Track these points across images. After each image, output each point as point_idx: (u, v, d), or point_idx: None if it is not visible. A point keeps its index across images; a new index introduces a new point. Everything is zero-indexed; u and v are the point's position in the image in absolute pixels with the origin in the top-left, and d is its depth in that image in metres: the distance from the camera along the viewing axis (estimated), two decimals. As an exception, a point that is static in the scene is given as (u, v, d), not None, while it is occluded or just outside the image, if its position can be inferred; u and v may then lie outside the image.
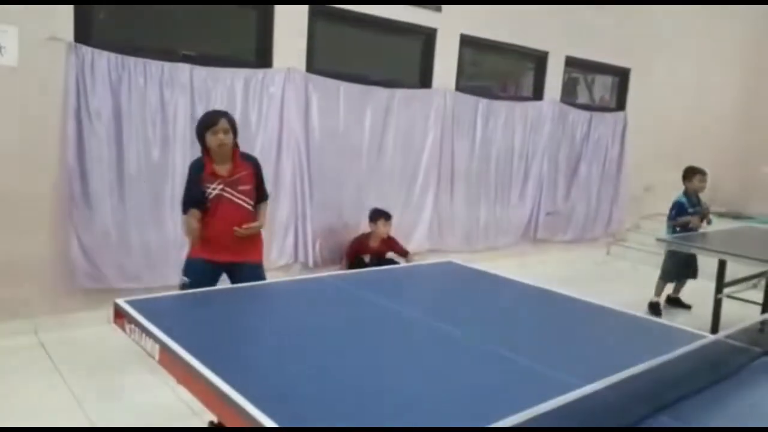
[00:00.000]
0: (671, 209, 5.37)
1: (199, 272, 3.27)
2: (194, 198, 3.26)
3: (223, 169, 3.27)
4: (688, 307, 5.53)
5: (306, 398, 1.58)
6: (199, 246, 3.34)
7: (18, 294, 3.93)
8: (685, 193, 5.41)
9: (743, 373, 1.88)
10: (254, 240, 3.42)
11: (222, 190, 3.26)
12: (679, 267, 5.28)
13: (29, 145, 3.90)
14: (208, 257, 3.31)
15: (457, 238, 6.35)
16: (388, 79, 5.63)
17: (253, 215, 3.40)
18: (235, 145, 3.32)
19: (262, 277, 3.37)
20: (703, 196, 5.49)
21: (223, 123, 3.21)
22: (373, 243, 5.34)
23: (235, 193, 3.30)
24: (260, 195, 3.46)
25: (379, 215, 5.30)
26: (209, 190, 3.25)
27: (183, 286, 3.25)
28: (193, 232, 3.24)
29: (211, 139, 3.21)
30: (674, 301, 5.61)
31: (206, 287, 2.80)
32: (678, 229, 5.29)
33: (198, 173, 3.27)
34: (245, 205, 3.34)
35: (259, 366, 1.78)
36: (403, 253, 5.41)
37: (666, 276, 5.39)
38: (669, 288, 5.53)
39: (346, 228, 5.49)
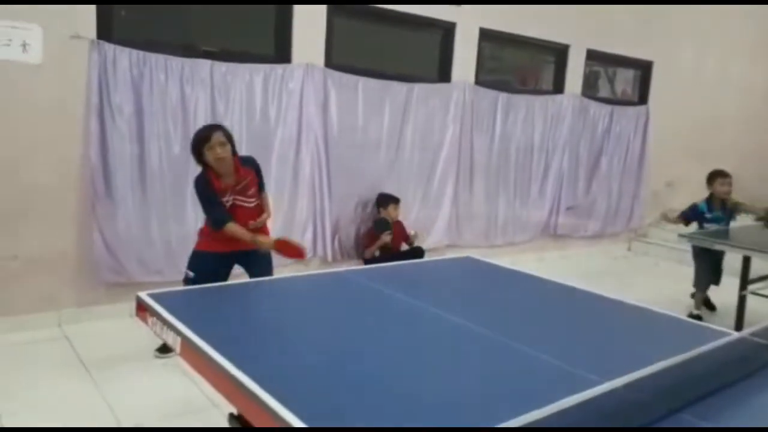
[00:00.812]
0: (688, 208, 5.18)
1: (205, 266, 3.31)
2: (224, 213, 3.25)
3: (229, 181, 3.29)
4: (713, 308, 5.33)
5: (326, 392, 1.58)
6: (207, 239, 3.38)
7: (42, 287, 4.01)
8: (709, 198, 5.12)
9: (767, 372, 1.85)
10: (261, 230, 3.47)
11: (234, 200, 3.31)
12: (709, 274, 5.03)
13: (53, 141, 3.97)
14: (217, 249, 3.34)
15: (475, 234, 6.32)
16: (406, 74, 5.62)
17: (258, 208, 3.46)
18: (233, 153, 3.31)
19: (271, 262, 3.47)
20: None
21: (217, 136, 3.18)
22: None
23: (246, 199, 3.36)
24: (260, 187, 3.50)
25: (389, 200, 5.36)
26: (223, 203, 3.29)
27: (187, 281, 3.29)
28: (246, 235, 3.25)
29: (209, 155, 3.18)
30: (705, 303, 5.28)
31: (214, 280, 2.82)
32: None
33: (209, 189, 3.24)
34: (253, 204, 3.41)
35: (279, 359, 1.79)
36: (407, 238, 5.44)
37: (699, 284, 5.08)
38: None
39: (365, 223, 5.50)
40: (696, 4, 7.61)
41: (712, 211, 5.09)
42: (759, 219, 5.11)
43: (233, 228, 3.23)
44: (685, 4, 7.49)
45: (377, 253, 5.24)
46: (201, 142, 3.20)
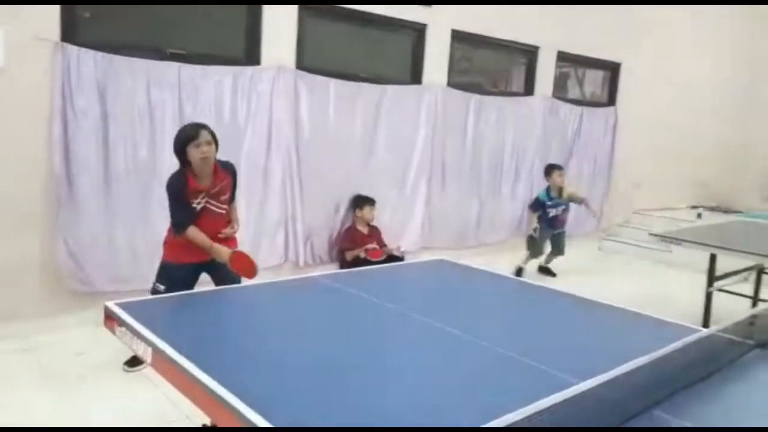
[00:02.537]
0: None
1: (174, 278, 3.24)
2: (189, 217, 3.19)
3: (205, 182, 3.22)
4: (554, 274, 6.36)
5: (299, 399, 1.56)
6: (175, 250, 3.31)
7: (4, 297, 3.88)
8: (548, 188, 6.18)
9: (735, 367, 1.88)
10: (229, 239, 3.42)
11: (207, 203, 3.24)
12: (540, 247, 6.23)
13: (15, 146, 3.85)
14: (186, 260, 3.28)
15: (448, 235, 6.34)
16: (378, 76, 5.61)
17: (227, 216, 3.41)
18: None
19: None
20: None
21: (204, 135, 3.14)
22: (362, 228, 5.37)
23: (218, 204, 3.30)
24: (232, 198, 3.45)
25: (365, 201, 5.38)
26: (194, 205, 3.22)
27: (155, 293, 3.23)
28: (206, 242, 3.18)
29: (194, 153, 3.12)
30: (544, 270, 6.45)
31: (183, 290, 2.77)
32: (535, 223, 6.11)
33: (183, 190, 3.17)
34: (224, 211, 3.35)
35: (252, 367, 1.77)
36: (383, 245, 5.45)
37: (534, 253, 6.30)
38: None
39: (337, 226, 5.47)
40: (663, 4, 7.76)
41: (552, 198, 6.12)
42: (580, 203, 6.28)
43: (193, 233, 3.17)
44: (653, 4, 7.63)
45: (363, 255, 5.19)
46: (188, 139, 3.13)
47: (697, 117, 8.77)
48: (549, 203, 6.12)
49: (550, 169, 6.23)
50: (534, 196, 6.41)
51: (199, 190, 3.20)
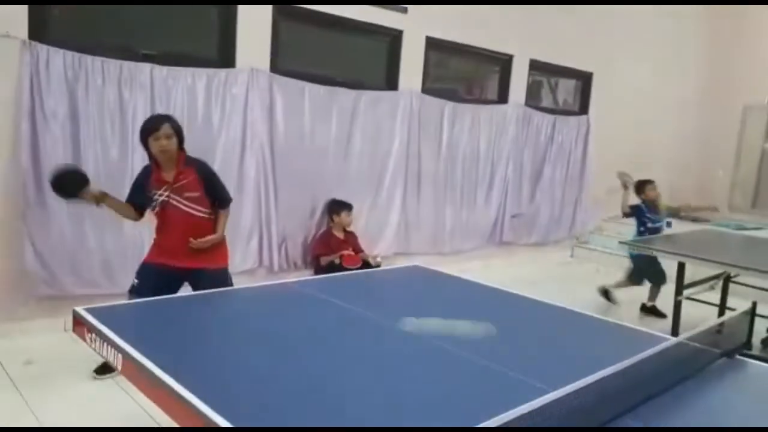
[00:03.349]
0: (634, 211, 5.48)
1: (149, 276, 3.22)
2: (131, 199, 3.33)
3: (169, 176, 3.21)
4: (663, 315, 5.39)
5: (270, 405, 1.55)
6: (156, 251, 3.31)
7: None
8: (643, 202, 5.52)
9: (704, 375, 1.92)
10: (216, 246, 3.34)
11: (168, 197, 3.20)
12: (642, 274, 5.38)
13: (-20, 146, 3.75)
14: (164, 261, 3.24)
15: (423, 241, 6.35)
16: (354, 81, 5.60)
17: (208, 223, 3.30)
18: (181, 150, 3.24)
19: (227, 283, 3.28)
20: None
21: (165, 128, 3.14)
22: (338, 233, 5.33)
23: (182, 200, 3.22)
24: (217, 201, 3.36)
25: (341, 206, 5.34)
26: (156, 197, 3.20)
27: (131, 288, 3.24)
28: (121, 210, 3.32)
29: (153, 145, 3.14)
30: (649, 310, 5.53)
31: (159, 293, 2.71)
32: (642, 230, 5.40)
33: (146, 178, 3.25)
34: (196, 212, 3.25)
35: (224, 374, 1.74)
36: (359, 250, 5.39)
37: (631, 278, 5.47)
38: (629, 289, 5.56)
39: (312, 231, 5.44)
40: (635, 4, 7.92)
41: (650, 214, 5.46)
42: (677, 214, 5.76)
43: (111, 202, 3.27)
44: (629, 4, 7.76)
45: (338, 261, 5.14)
46: (148, 131, 3.17)
47: (665, 126, 8.95)
48: (649, 216, 5.47)
49: (641, 186, 5.54)
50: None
51: (162, 181, 3.21)
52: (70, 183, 3.16)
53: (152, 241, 3.43)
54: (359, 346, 2.09)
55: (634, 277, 5.46)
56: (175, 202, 3.21)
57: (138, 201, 3.31)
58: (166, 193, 3.20)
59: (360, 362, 1.92)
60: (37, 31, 3.89)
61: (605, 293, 5.58)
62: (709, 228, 6.47)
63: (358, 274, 3.47)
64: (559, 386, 1.43)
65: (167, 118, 3.23)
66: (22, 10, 3.80)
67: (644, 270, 5.36)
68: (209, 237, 3.26)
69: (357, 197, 5.63)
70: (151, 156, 3.23)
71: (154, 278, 3.21)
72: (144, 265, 3.35)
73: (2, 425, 2.87)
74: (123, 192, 4.20)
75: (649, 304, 5.55)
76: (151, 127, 3.17)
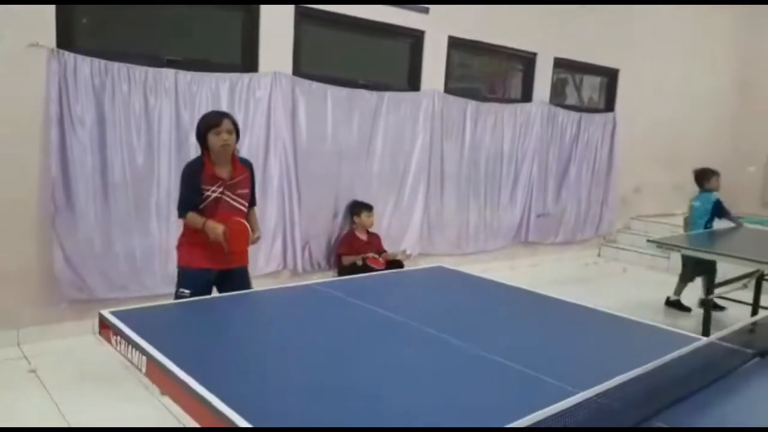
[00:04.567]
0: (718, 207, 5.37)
1: (197, 282, 3.14)
2: (192, 201, 3.14)
3: (223, 172, 3.18)
4: (687, 309, 5.46)
5: (295, 409, 1.54)
6: (194, 254, 3.20)
7: (0, 304, 3.85)
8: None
9: (736, 376, 1.86)
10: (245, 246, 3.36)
11: (222, 193, 3.18)
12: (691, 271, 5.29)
13: (11, 153, 3.83)
14: (206, 266, 3.18)
15: (447, 242, 6.32)
16: (376, 82, 5.60)
17: (246, 218, 3.32)
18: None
19: (249, 280, 3.34)
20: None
21: (226, 123, 3.14)
22: (361, 235, 5.33)
23: (234, 197, 3.23)
24: (253, 200, 3.41)
25: (361, 207, 5.34)
26: (208, 193, 3.15)
27: (180, 298, 3.09)
28: (198, 222, 3.10)
29: (214, 140, 3.11)
30: (674, 304, 5.55)
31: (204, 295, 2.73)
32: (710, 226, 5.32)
33: (197, 175, 3.14)
34: (242, 208, 3.28)
35: (249, 378, 1.74)
36: (383, 251, 5.37)
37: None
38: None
39: (335, 233, 5.45)
40: (663, 4, 7.78)
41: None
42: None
43: (191, 216, 3.13)
44: (651, 4, 7.63)
45: (359, 263, 5.13)
46: (210, 126, 3.13)
47: (693, 123, 8.77)
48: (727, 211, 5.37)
49: (709, 174, 5.36)
50: (714, 198, 5.44)
51: (216, 177, 3.15)
52: None
53: (183, 241, 3.28)
54: (384, 348, 2.08)
55: (687, 276, 5.40)
56: (227, 198, 3.20)
57: (196, 202, 3.16)
58: (220, 190, 3.17)
59: (385, 364, 1.90)
60: (65, 40, 3.97)
61: (677, 305, 5.44)
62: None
63: (381, 276, 3.47)
64: (586, 388, 1.40)
65: (226, 115, 3.22)
66: (50, 19, 3.88)
67: (696, 266, 5.13)
68: (257, 232, 3.32)
69: (380, 198, 5.63)
70: (205, 151, 3.17)
71: (203, 285, 3.14)
72: (189, 271, 3.22)
73: (32, 426, 2.93)
74: (149, 196, 4.30)
75: (674, 298, 5.53)
76: (212, 121, 3.14)
